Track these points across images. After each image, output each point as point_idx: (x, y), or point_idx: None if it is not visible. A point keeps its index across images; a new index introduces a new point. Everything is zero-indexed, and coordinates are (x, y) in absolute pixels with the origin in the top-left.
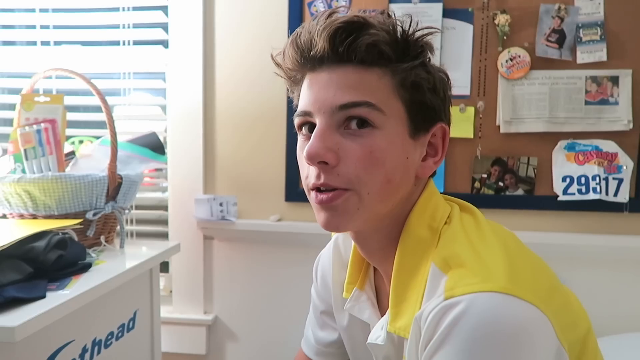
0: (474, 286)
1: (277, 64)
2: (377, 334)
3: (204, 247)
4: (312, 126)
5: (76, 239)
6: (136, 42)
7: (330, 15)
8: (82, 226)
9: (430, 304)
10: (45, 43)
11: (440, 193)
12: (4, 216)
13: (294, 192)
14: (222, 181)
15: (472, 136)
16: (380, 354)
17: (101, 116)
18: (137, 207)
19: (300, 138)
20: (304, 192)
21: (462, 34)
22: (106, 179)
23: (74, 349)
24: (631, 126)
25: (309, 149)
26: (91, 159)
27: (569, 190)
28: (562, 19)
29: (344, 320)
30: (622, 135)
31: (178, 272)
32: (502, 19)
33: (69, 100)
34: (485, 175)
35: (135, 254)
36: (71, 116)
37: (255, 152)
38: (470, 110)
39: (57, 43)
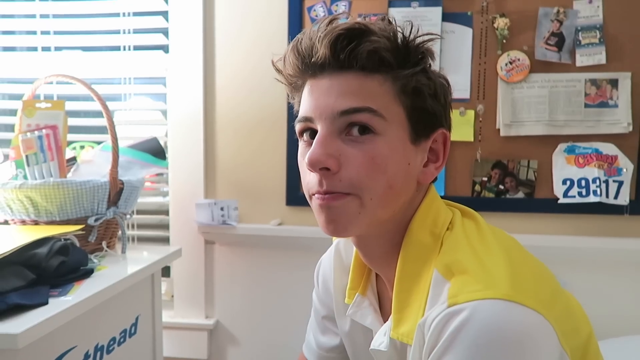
0: (477, 293)
1: (278, 70)
2: (380, 340)
3: (205, 252)
4: (313, 132)
5: (78, 244)
6: (137, 48)
7: (331, 22)
8: (83, 232)
9: (433, 311)
10: (46, 49)
11: (441, 197)
12: (6, 222)
13: (294, 196)
14: (223, 185)
15: (472, 139)
16: (382, 359)
17: (102, 121)
18: (139, 212)
19: (301, 144)
20: (305, 197)
21: (461, 38)
22: (107, 184)
23: (76, 355)
24: (631, 129)
25: (311, 155)
26: (92, 164)
27: (569, 193)
28: (561, 22)
29: (345, 325)
30: (621, 137)
31: (179, 276)
32: (501, 23)
33: (70, 106)
34: (485, 179)
35: (137, 259)
36: (72, 122)
37: (256, 157)
38: (470, 113)
39: (57, 49)
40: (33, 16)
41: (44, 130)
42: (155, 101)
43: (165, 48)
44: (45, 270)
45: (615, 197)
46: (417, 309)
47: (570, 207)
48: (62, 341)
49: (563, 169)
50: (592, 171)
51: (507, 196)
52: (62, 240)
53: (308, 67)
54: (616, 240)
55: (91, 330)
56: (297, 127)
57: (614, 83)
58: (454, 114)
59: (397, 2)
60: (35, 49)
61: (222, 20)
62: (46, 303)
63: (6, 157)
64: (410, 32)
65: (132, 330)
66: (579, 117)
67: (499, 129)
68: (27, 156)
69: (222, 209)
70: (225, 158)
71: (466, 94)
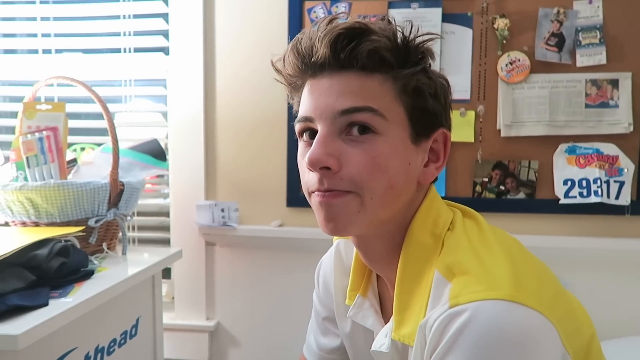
0: (479, 294)
1: (277, 70)
2: (381, 342)
3: (206, 253)
4: (313, 132)
5: (78, 246)
6: (137, 50)
7: (330, 21)
8: (84, 233)
9: (435, 312)
10: (46, 51)
11: (442, 198)
12: (6, 224)
13: (295, 197)
14: (224, 187)
15: (472, 140)
16: None
17: (102, 123)
18: (139, 214)
19: (301, 144)
20: (305, 197)
21: (461, 39)
22: (108, 186)
23: (77, 357)
24: (631, 129)
25: (311, 155)
26: (93, 166)
27: (570, 194)
28: (561, 23)
29: (346, 327)
30: (622, 138)
31: (180, 278)
32: (501, 23)
33: (70, 108)
34: (486, 179)
35: (138, 260)
36: (73, 123)
37: (256, 158)
38: (471, 114)
39: (58, 51)
40: (34, 19)
41: (44, 132)
42: (156, 103)
43: (165, 50)
44: (46, 271)
45: (617, 198)
46: (418, 310)
47: (571, 207)
48: (62, 342)
49: (564, 170)
50: (593, 171)
51: (508, 197)
52: (63, 241)
53: (308, 66)
54: (617, 240)
55: (91, 332)
56: (297, 127)
57: (615, 83)
58: (455, 115)
59: (397, 3)
60: (36, 51)
61: (222, 22)
62: (46, 304)
63: (7, 159)
64: (410, 32)
65: (133, 332)
66: (580, 117)
67: (499, 130)
68: (27, 158)
69: (222, 210)
70: (225, 159)
71: (466, 95)
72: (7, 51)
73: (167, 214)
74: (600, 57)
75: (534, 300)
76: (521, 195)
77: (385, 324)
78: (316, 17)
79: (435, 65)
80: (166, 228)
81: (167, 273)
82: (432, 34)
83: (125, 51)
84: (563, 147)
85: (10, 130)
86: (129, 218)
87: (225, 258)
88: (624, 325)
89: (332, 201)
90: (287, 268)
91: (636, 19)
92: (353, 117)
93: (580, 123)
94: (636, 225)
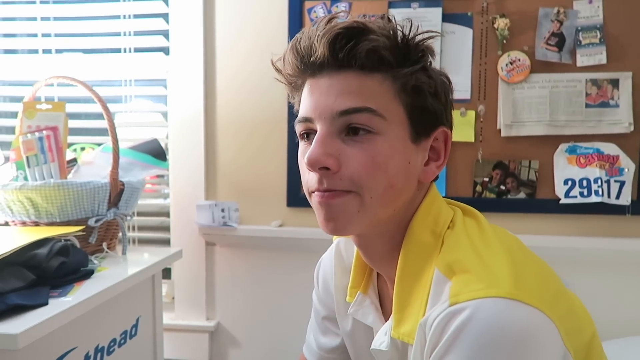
0: (479, 292)
1: (278, 70)
2: (381, 340)
3: (206, 253)
4: (313, 132)
5: (78, 245)
6: (137, 50)
7: (329, 20)
8: (84, 233)
9: (435, 310)
10: (46, 51)
11: (443, 197)
12: (6, 223)
13: (295, 197)
14: (224, 187)
15: (473, 140)
16: (383, 359)
17: (103, 123)
18: (139, 214)
19: (301, 144)
20: (306, 197)
21: (461, 39)
22: (108, 185)
23: (76, 356)
24: (632, 129)
25: (310, 155)
26: (93, 165)
27: (571, 194)
28: (561, 23)
29: (347, 325)
30: (623, 137)
31: (180, 278)
32: (501, 23)
33: (70, 108)
34: (486, 179)
35: (138, 260)
36: (73, 123)
37: (256, 158)
38: (471, 114)
39: (58, 51)
40: (34, 19)
41: (44, 132)
42: (156, 103)
43: (165, 50)
44: (46, 271)
45: (617, 198)
46: (418, 308)
47: (571, 207)
48: (62, 342)
49: (564, 169)
50: (593, 171)
51: (509, 197)
52: (63, 241)
53: (307, 66)
54: (618, 240)
55: (91, 332)
56: (297, 127)
57: (615, 83)
58: (455, 115)
59: (397, 3)
60: (36, 51)
61: (222, 22)
62: (46, 304)
63: (7, 158)
64: (410, 30)
65: (133, 332)
66: (580, 117)
67: (499, 130)
68: (27, 157)
69: (222, 210)
70: (226, 159)
71: (467, 95)
72: (7, 51)
73: (167, 214)
74: (600, 56)
75: (534, 299)
76: (522, 195)
77: (386, 321)
78: (316, 17)
79: (435, 64)
80: (166, 228)
81: (167, 273)
82: (432, 31)
83: (125, 51)
84: (563, 146)
85: (11, 130)
86: (129, 218)
87: (225, 258)
88: (624, 325)
89: (331, 201)
90: (287, 268)
91: (636, 18)
92: (352, 117)
93: (580, 123)
94: (637, 225)
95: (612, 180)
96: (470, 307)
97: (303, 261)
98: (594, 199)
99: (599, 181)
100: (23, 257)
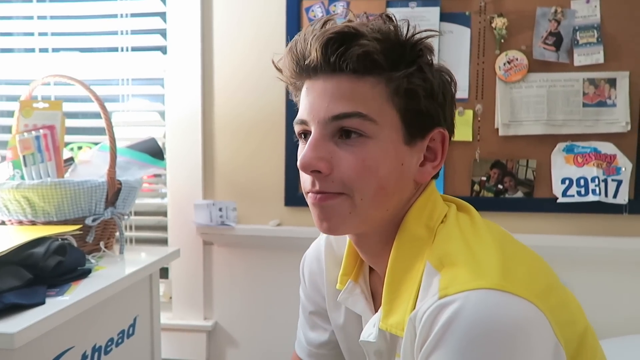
0: (467, 284)
1: (279, 70)
2: (369, 332)
3: (204, 253)
4: (309, 133)
5: (75, 245)
6: (134, 49)
7: (325, 23)
8: (81, 232)
9: (425, 303)
10: (43, 50)
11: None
12: (3, 223)
13: (293, 196)
14: (222, 186)
15: (470, 139)
16: (371, 349)
17: (100, 122)
18: (137, 214)
19: (300, 145)
20: (304, 197)
21: (459, 38)
22: (105, 184)
23: (74, 356)
24: (629, 128)
25: (302, 158)
26: (90, 164)
27: (568, 193)
28: (558, 22)
29: (339, 318)
30: (620, 137)
31: (178, 278)
32: (499, 23)
33: (67, 107)
34: (484, 178)
35: (135, 259)
36: (70, 123)
37: (254, 157)
38: (469, 113)
39: (55, 50)
40: (31, 17)
41: (41, 131)
42: (153, 102)
43: (163, 49)
44: (43, 270)
45: (614, 196)
46: (407, 300)
47: (569, 206)
48: (59, 341)
49: (562, 169)
50: (591, 170)
51: (506, 196)
52: (60, 240)
53: (303, 69)
54: (615, 239)
55: (89, 331)
56: (295, 128)
57: (612, 82)
58: None
59: (395, 2)
60: (32, 50)
61: (220, 22)
62: (43, 303)
63: (3, 157)
64: (408, 31)
65: (130, 331)
66: (578, 116)
67: (497, 129)
68: (24, 156)
69: (220, 209)
70: (223, 159)
71: (464, 94)
72: (4, 50)
73: (164, 214)
74: (597, 56)
75: (523, 290)
76: (519, 194)
77: (375, 313)
78: (314, 16)
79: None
80: (164, 227)
81: (164, 273)
82: (429, 30)
83: (122, 50)
84: (561, 146)
85: (7, 129)
86: (126, 217)
87: (223, 258)
88: (622, 323)
89: (323, 203)
90: (285, 268)
91: (633, 18)
92: (343, 122)
93: (578, 122)
94: (634, 224)
95: (609, 180)
96: (459, 299)
97: (301, 260)
98: (591, 198)
99: (597, 180)
100: (20, 256)
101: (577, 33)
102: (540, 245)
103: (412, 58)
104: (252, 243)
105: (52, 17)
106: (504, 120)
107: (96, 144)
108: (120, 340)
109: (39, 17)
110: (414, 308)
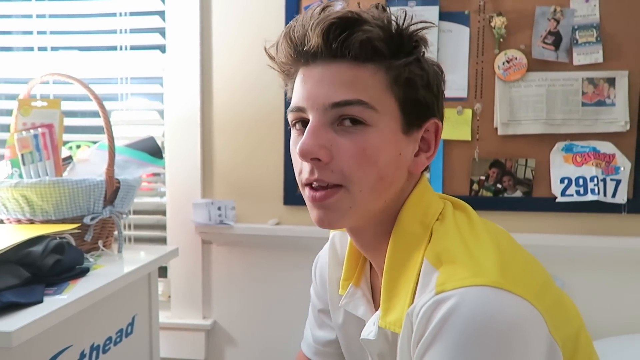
0: (465, 280)
1: (271, 57)
2: (369, 330)
3: (203, 252)
4: (305, 121)
5: (74, 243)
6: (133, 47)
7: (324, 9)
8: (79, 231)
9: (421, 300)
10: (42, 49)
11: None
12: (1, 221)
13: (292, 195)
14: (220, 185)
15: (469, 138)
16: (374, 350)
17: (99, 121)
18: (135, 212)
19: (293, 133)
20: (302, 196)
21: (458, 37)
22: (104, 183)
23: (72, 355)
24: (628, 127)
25: (302, 145)
26: (89, 163)
27: (567, 192)
28: (557, 21)
29: (339, 318)
30: (619, 136)
31: (176, 277)
32: (498, 22)
33: (66, 106)
34: (483, 178)
35: (134, 258)
36: (69, 121)
37: (253, 156)
38: (468, 112)
39: (54, 49)
40: (29, 16)
41: (39, 129)
42: (152, 101)
43: (162, 48)
44: (41, 268)
45: (613, 196)
46: (404, 297)
47: (568, 205)
48: (57, 340)
49: (561, 168)
50: (589, 170)
51: (505, 195)
52: (58, 239)
53: (300, 55)
54: (614, 238)
55: (87, 330)
56: (289, 116)
57: (611, 82)
58: (452, 113)
59: (395, 1)
60: (31, 49)
61: (219, 20)
62: (41, 301)
63: (1, 156)
64: (405, 20)
65: (129, 330)
66: (577, 115)
67: (496, 128)
68: (22, 155)
69: (219, 208)
70: (222, 158)
71: (463, 93)
72: (2, 48)
73: (163, 213)
74: (597, 55)
75: (520, 288)
76: (518, 194)
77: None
78: None
79: (432, 57)
80: (162, 226)
81: (163, 272)
82: (426, 22)
83: (121, 49)
84: (560, 145)
85: (6, 128)
86: (125, 216)
87: (222, 256)
88: (620, 323)
89: (323, 202)
90: (284, 266)
91: (633, 17)
92: (344, 110)
93: (577, 121)
94: (633, 224)
95: (608, 179)
96: (455, 295)
97: (300, 259)
98: (590, 197)
99: (595, 180)
100: (18, 255)
101: (577, 32)
102: (539, 245)
103: (410, 47)
104: (251, 242)
105: (51, 16)
106: (503, 120)
107: (95, 142)
108: (118, 339)
109: (38, 16)
110: (412, 304)
